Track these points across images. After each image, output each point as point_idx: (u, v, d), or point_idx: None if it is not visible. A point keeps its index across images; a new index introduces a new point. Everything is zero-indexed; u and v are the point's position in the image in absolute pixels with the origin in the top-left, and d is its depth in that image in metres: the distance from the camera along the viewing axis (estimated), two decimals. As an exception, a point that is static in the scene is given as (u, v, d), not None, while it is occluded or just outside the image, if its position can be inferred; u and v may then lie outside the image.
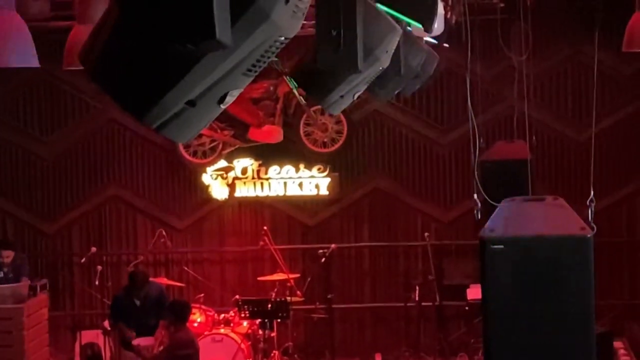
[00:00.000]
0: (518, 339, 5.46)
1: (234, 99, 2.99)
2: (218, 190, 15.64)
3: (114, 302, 13.68)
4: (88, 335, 15.03)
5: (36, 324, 13.60)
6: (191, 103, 2.83)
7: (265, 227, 15.17)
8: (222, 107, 2.94)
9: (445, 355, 14.67)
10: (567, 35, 14.46)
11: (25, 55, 6.98)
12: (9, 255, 14.14)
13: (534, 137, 12.08)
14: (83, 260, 15.13)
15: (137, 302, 13.24)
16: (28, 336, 13.26)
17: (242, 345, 13.20)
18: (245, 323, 13.88)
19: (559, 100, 14.94)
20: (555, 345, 5.45)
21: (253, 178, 15.61)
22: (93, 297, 15.52)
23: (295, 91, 14.02)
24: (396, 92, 8.43)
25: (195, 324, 13.55)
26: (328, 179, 15.55)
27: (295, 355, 14.54)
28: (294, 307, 14.15)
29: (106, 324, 14.44)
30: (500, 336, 5.51)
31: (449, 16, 9.65)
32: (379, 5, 5.47)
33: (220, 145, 15.38)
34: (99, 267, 14.93)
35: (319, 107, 13.55)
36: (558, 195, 5.77)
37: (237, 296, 14.11)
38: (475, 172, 7.41)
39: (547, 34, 13.98)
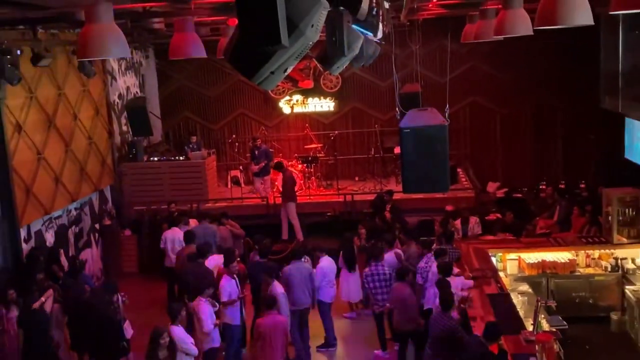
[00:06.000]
0: (415, 169, 5.42)
1: (291, 70, 2.86)
2: (285, 109, 15.45)
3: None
4: (233, 172, 15.16)
5: (210, 169, 13.66)
6: (272, 73, 2.71)
7: (307, 124, 15.07)
8: (285, 74, 2.80)
9: (386, 176, 14.59)
10: (437, 38, 13.99)
11: (200, 51, 6.87)
12: (194, 138, 14.24)
13: (422, 81, 11.94)
14: (230, 140, 15.13)
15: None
16: (208, 174, 13.36)
17: (299, 175, 13.29)
18: (300, 165, 13.93)
19: (433, 65, 14.56)
20: (434, 171, 5.42)
21: (301, 103, 15.39)
22: (234, 156, 15.53)
23: (318, 64, 13.72)
24: (362, 64, 8.25)
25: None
26: (333, 102, 15.32)
27: (321, 179, 14.51)
28: (320, 158, 14.15)
29: (241, 167, 14.54)
30: (408, 167, 5.49)
31: (384, 29, 9.35)
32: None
33: (286, 89, 15.22)
34: (237, 144, 14.98)
35: (328, 72, 13.34)
36: (433, 107, 5.70)
37: (295, 154, 14.14)
38: (397, 98, 7.30)
39: (427, 36, 13.51)
